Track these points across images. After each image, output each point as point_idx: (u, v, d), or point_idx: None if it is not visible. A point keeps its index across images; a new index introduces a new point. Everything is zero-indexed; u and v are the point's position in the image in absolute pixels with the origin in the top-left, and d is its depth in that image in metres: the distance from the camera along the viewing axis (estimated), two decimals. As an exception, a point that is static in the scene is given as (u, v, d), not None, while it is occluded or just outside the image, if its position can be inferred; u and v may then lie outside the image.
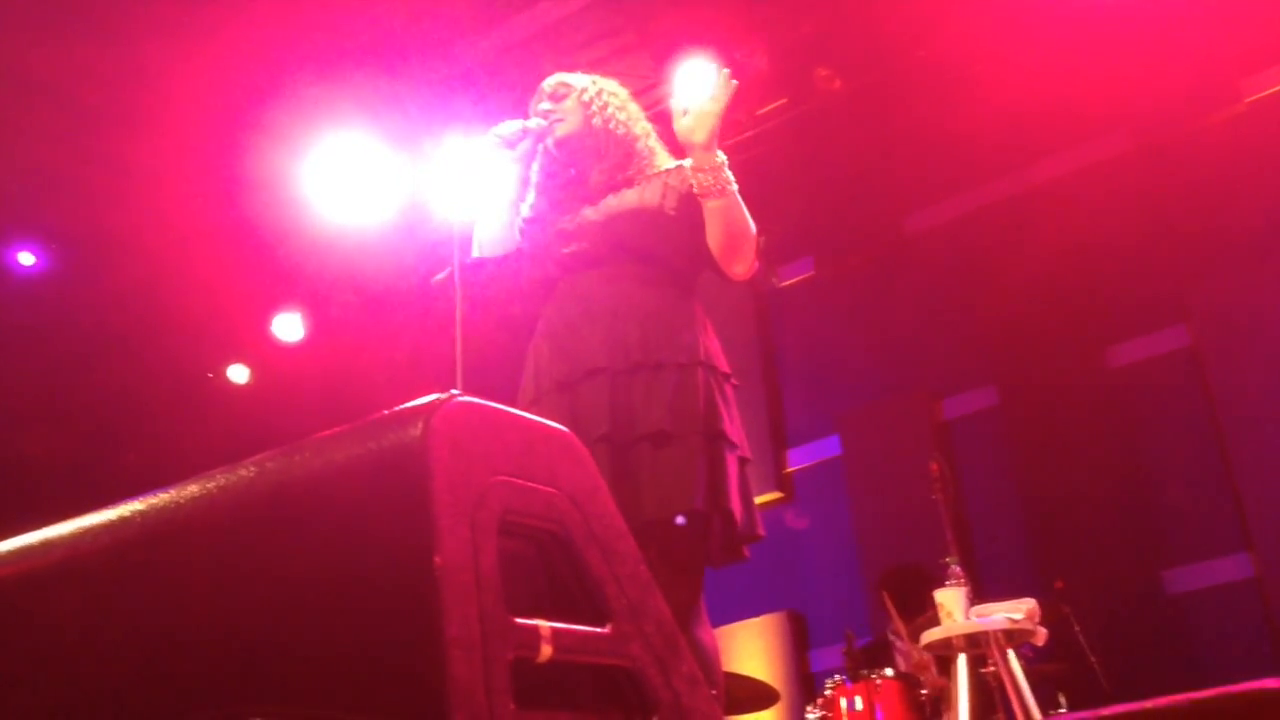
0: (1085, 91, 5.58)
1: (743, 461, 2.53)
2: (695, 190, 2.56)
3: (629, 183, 2.69)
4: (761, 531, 2.52)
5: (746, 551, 2.55)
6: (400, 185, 6.31)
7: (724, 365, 2.59)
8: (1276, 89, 5.89)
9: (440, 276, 2.85)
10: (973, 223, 6.53)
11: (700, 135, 2.51)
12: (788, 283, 7.15)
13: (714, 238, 2.57)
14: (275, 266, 6.82)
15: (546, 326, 2.65)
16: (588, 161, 2.76)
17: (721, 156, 2.55)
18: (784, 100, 6.03)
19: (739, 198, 2.56)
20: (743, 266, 2.60)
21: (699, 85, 2.53)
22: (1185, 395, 5.82)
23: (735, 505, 2.43)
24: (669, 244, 2.62)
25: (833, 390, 6.87)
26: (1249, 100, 5.91)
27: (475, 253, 2.75)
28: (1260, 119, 5.82)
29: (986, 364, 6.41)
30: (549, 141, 2.75)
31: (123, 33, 5.31)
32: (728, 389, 2.57)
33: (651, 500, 2.35)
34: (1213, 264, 5.81)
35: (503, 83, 5.73)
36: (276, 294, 7.21)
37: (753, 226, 2.58)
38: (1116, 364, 6.06)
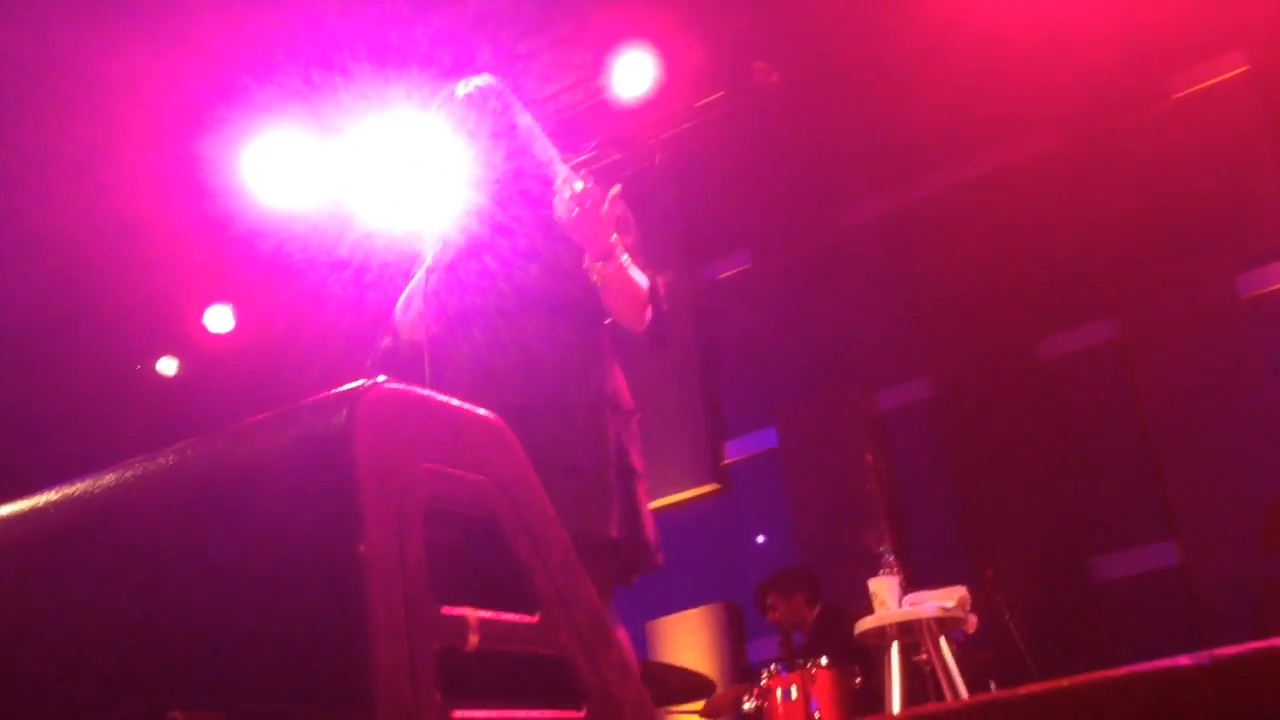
0: (1016, 88, 5.66)
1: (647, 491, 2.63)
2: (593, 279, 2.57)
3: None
4: (660, 560, 2.58)
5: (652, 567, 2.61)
6: (333, 176, 6.23)
7: (628, 403, 2.66)
8: (1203, 86, 6.02)
9: (370, 363, 2.83)
10: (907, 217, 6.60)
11: (591, 249, 2.53)
12: (724, 275, 7.17)
13: (609, 310, 2.63)
14: (206, 257, 6.69)
15: (456, 375, 2.64)
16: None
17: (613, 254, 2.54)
18: (721, 94, 6.03)
19: (625, 272, 2.56)
20: (639, 327, 2.66)
21: (561, 205, 2.50)
22: (1113, 387, 5.94)
23: (650, 536, 2.52)
24: (568, 286, 2.63)
25: (769, 383, 6.90)
26: (1176, 97, 6.03)
27: (404, 334, 2.73)
28: (1187, 116, 5.94)
29: (921, 356, 6.48)
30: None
31: (45, 18, 5.18)
32: (633, 425, 2.64)
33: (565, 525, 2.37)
34: (1140, 259, 5.92)
35: (438, 73, 5.68)
36: (207, 285, 7.08)
37: (643, 282, 2.61)
38: (1047, 356, 6.16)
